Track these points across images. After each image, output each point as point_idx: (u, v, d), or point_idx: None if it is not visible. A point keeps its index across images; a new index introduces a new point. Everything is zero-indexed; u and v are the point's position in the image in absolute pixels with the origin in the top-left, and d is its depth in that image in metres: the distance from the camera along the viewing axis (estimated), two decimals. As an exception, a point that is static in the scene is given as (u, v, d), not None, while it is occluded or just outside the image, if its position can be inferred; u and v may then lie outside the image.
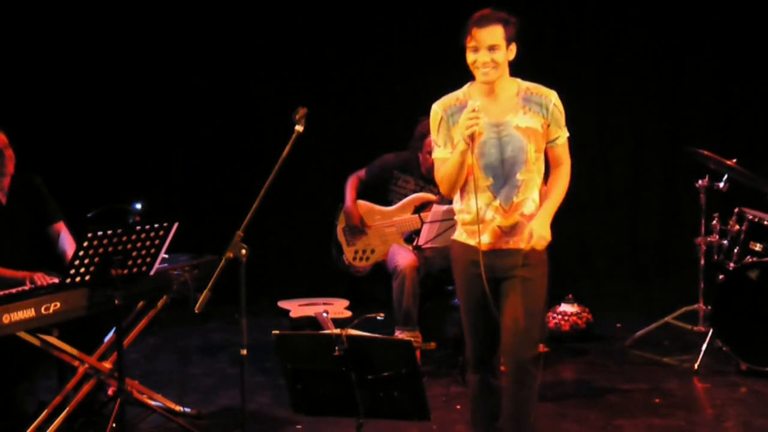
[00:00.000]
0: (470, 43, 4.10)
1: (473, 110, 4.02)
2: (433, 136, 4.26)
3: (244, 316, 4.12)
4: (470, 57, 4.13)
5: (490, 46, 4.07)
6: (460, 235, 4.28)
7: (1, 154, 5.23)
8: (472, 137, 4.03)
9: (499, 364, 4.41)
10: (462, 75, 4.36)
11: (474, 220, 4.16)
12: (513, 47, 4.14)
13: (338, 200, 6.51)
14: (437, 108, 4.24)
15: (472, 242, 4.21)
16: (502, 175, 4.14)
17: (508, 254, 4.18)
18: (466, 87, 4.24)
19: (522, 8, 4.28)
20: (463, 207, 4.23)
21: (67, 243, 5.33)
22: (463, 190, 4.22)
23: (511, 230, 4.17)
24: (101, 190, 7.30)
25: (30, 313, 4.58)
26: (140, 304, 5.32)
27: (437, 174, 4.25)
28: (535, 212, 4.19)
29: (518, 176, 4.15)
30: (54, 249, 5.38)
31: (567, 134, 4.26)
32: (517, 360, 4.20)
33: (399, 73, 8.03)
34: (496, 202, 4.16)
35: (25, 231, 5.37)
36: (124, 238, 4.71)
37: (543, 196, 4.25)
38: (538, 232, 4.09)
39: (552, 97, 4.20)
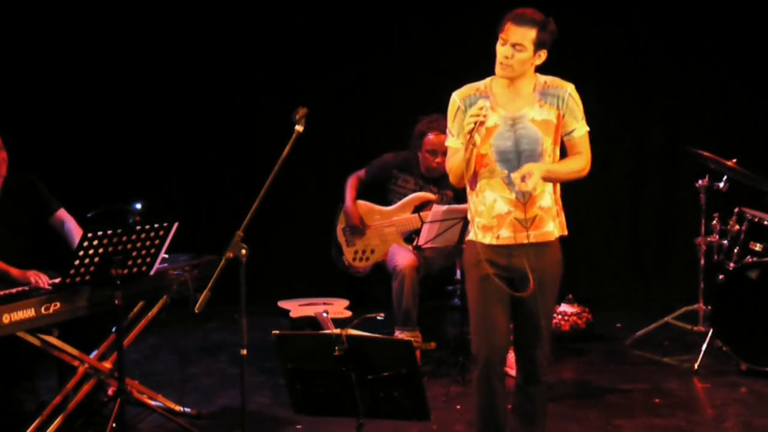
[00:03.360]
0: (501, 35, 4.12)
1: (480, 108, 4.03)
2: (449, 124, 4.26)
3: (244, 316, 4.12)
4: (497, 49, 4.14)
5: (514, 43, 4.08)
6: (474, 234, 4.26)
7: None
8: (471, 133, 4.02)
9: (504, 366, 4.42)
10: (462, 74, 4.35)
11: (490, 213, 4.17)
12: (543, 53, 4.14)
13: (338, 200, 6.51)
14: (455, 97, 4.24)
15: (486, 241, 4.22)
16: (518, 168, 4.13)
17: (524, 251, 4.16)
18: (488, 79, 4.23)
19: (522, 6, 4.27)
20: (479, 200, 4.22)
21: (73, 229, 5.33)
22: (476, 182, 4.22)
23: (531, 224, 4.17)
24: (101, 190, 7.30)
25: (30, 313, 4.58)
26: (140, 304, 5.32)
27: (447, 163, 4.27)
28: (552, 205, 4.20)
29: None
30: (58, 246, 5.38)
31: (586, 128, 4.25)
32: (531, 360, 4.23)
33: (399, 72, 8.02)
34: (512, 196, 4.16)
35: (22, 230, 5.36)
36: (124, 238, 4.71)
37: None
38: (531, 167, 4.05)
39: (568, 88, 4.21)
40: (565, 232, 4.28)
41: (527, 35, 4.08)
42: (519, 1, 4.51)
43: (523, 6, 4.20)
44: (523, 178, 4.04)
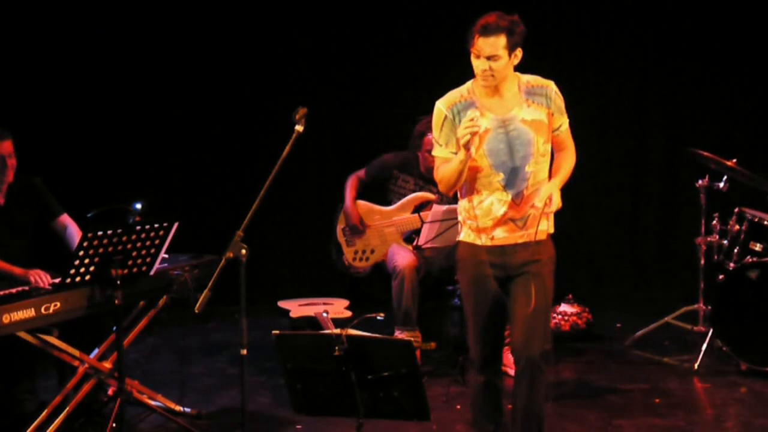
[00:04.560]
0: (473, 49, 4.12)
1: (471, 119, 4.03)
2: (435, 134, 4.25)
3: (244, 316, 4.12)
4: (473, 61, 4.15)
5: (489, 56, 4.08)
6: (467, 236, 4.28)
7: (3, 162, 5.22)
8: (467, 146, 4.03)
9: (501, 365, 4.42)
10: (462, 74, 4.35)
11: (486, 216, 4.18)
12: (518, 52, 4.14)
13: (338, 200, 6.51)
14: (441, 106, 4.24)
15: (479, 242, 4.22)
16: (512, 170, 4.15)
17: (519, 249, 4.19)
18: (470, 83, 4.24)
19: (522, 6, 4.27)
20: (473, 204, 4.23)
21: (75, 234, 5.34)
22: (472, 188, 4.23)
23: (524, 223, 4.18)
24: (101, 190, 7.30)
25: (30, 313, 4.58)
26: (140, 304, 5.32)
27: (437, 173, 4.26)
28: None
29: (527, 168, 4.17)
30: (58, 246, 5.39)
31: (568, 120, 4.30)
32: (528, 356, 4.22)
33: (399, 72, 8.02)
34: (508, 197, 4.17)
35: (25, 231, 5.37)
36: (124, 238, 4.71)
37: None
38: (549, 190, 4.12)
39: (552, 86, 4.25)
40: (552, 230, 4.30)
41: (498, 44, 4.07)
42: (519, 1, 4.51)
43: (521, 7, 4.19)
44: (545, 204, 4.10)
